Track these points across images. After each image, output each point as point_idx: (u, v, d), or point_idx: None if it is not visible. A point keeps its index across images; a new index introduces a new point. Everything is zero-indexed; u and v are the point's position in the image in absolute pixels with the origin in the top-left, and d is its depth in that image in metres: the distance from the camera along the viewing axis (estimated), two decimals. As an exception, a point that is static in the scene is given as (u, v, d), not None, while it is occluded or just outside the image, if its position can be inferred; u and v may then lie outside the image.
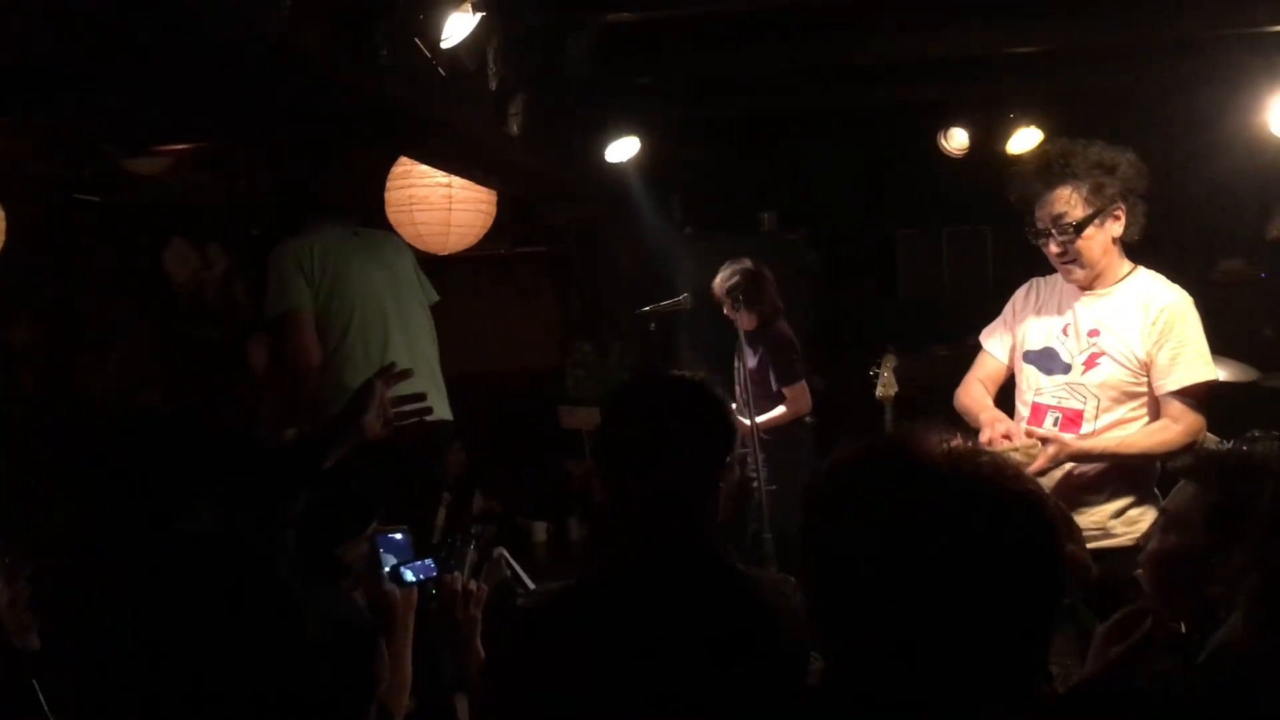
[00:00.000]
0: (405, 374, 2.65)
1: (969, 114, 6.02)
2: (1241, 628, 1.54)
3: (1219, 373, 3.09)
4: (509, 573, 4.09)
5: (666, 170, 6.12)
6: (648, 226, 6.17)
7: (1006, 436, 3.05)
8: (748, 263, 4.96)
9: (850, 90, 5.72)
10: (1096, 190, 3.00)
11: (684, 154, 6.23)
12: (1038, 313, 3.21)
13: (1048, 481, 2.95)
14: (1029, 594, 1.16)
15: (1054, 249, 3.05)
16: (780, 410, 5.00)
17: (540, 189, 5.60)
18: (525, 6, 3.82)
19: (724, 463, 1.91)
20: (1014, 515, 1.17)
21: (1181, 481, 2.16)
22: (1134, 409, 3.04)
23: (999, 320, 3.33)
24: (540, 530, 6.26)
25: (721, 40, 4.78)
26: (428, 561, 2.36)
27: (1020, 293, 3.31)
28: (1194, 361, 3.01)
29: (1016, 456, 2.89)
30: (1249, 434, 4.60)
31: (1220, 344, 5.24)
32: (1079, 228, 2.99)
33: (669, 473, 1.86)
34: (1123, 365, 3.02)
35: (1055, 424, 3.07)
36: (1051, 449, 2.92)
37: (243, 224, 5.89)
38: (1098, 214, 3.00)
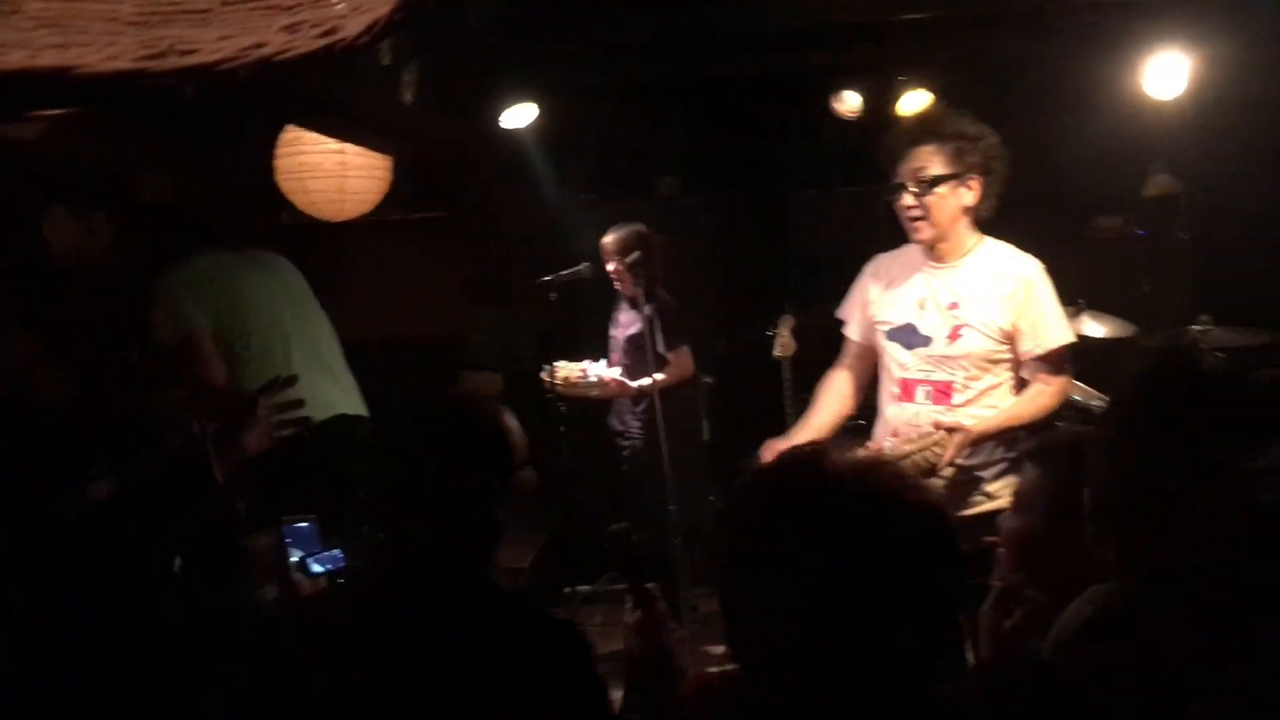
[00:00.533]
0: (290, 380, 2.63)
1: (861, 78, 6.13)
2: (1118, 599, 1.61)
3: (1073, 335, 3.25)
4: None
5: (566, 136, 6.10)
6: (547, 191, 6.15)
7: (895, 434, 3.15)
8: (640, 225, 4.98)
9: (746, 55, 5.76)
10: (957, 155, 3.13)
11: (583, 119, 6.21)
12: (888, 289, 3.30)
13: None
14: (929, 599, 1.22)
15: (907, 201, 3.15)
16: (662, 376, 5.03)
17: (438, 155, 5.54)
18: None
19: (489, 486, 1.91)
20: (916, 524, 1.22)
21: (1027, 464, 2.27)
22: (999, 374, 3.19)
23: (850, 301, 3.43)
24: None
25: (619, 6, 4.77)
26: (335, 553, 2.37)
27: (867, 270, 3.41)
28: (1054, 327, 3.18)
29: (925, 454, 2.99)
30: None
31: (1101, 300, 5.51)
32: (933, 183, 3.11)
33: (423, 498, 1.88)
34: (986, 335, 3.14)
35: (927, 397, 3.18)
36: (959, 437, 3.02)
37: (129, 192, 5.71)
38: (954, 176, 3.12)
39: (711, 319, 6.20)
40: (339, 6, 0.80)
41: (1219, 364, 1.63)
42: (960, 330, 3.16)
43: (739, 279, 6.63)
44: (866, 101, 6.18)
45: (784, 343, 5.74)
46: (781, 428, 5.71)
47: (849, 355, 3.44)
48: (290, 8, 0.75)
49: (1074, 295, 5.33)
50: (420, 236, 6.36)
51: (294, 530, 2.45)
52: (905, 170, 3.18)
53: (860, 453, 3.03)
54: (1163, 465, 1.53)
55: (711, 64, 5.84)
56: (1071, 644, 1.62)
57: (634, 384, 4.85)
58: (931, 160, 3.13)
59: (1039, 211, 6.90)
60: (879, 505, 1.21)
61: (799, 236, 6.93)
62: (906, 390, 3.22)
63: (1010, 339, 3.17)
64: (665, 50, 5.64)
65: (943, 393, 3.17)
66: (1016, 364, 3.20)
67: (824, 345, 6.49)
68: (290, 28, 0.86)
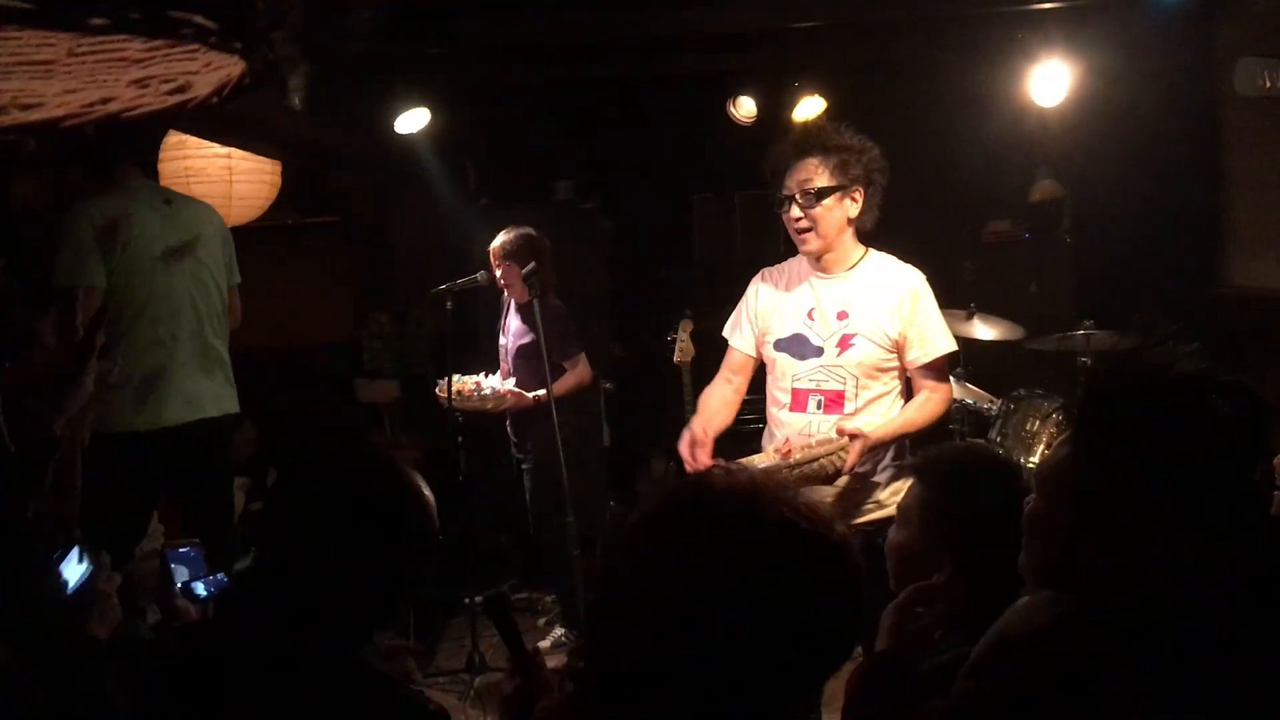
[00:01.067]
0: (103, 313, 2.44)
1: (756, 83, 6.18)
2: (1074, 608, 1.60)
3: (954, 344, 3.33)
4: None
5: (461, 139, 6.03)
6: (441, 196, 6.07)
7: (787, 442, 3.18)
8: (529, 229, 4.93)
9: (642, 60, 5.76)
10: (842, 167, 3.17)
11: (479, 122, 6.15)
12: (775, 301, 3.32)
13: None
14: (824, 635, 1.20)
15: (794, 214, 3.18)
16: (564, 380, 4.99)
17: (327, 160, 5.44)
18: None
19: (391, 558, 1.74)
20: (819, 558, 1.20)
21: (909, 479, 2.31)
22: (887, 382, 3.25)
23: (737, 314, 3.43)
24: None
25: (514, 10, 4.73)
26: (219, 576, 2.29)
27: (754, 284, 3.42)
28: (939, 336, 3.26)
29: (831, 458, 3.02)
30: (1015, 393, 4.91)
31: (990, 302, 5.64)
32: (820, 195, 3.15)
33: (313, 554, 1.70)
34: (876, 344, 3.20)
35: (819, 406, 3.20)
36: (858, 444, 3.04)
37: None
38: (839, 189, 3.17)
39: (611, 324, 6.19)
40: (190, 62, 0.76)
41: (1186, 375, 1.62)
42: (851, 340, 3.20)
43: (638, 283, 6.64)
44: (761, 106, 6.23)
45: (683, 347, 5.73)
46: (681, 433, 5.77)
47: (731, 367, 3.45)
48: (140, 60, 0.71)
49: (966, 298, 5.45)
50: (312, 242, 6.23)
51: (178, 554, 2.37)
52: (792, 182, 3.20)
53: (762, 465, 3.03)
54: (1148, 475, 1.53)
55: (607, 67, 5.83)
56: (1024, 649, 1.60)
57: (531, 395, 4.80)
58: (817, 172, 3.17)
59: (931, 214, 7.08)
60: (783, 536, 1.19)
61: (698, 240, 6.97)
62: (798, 400, 3.25)
63: (899, 348, 3.23)
64: (560, 53, 5.62)
65: (834, 402, 3.21)
66: (902, 372, 3.26)
67: (724, 350, 6.59)
68: (139, 82, 0.82)
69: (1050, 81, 5.35)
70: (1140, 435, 1.54)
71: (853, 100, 6.39)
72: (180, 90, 0.83)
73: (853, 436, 3.04)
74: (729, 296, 6.72)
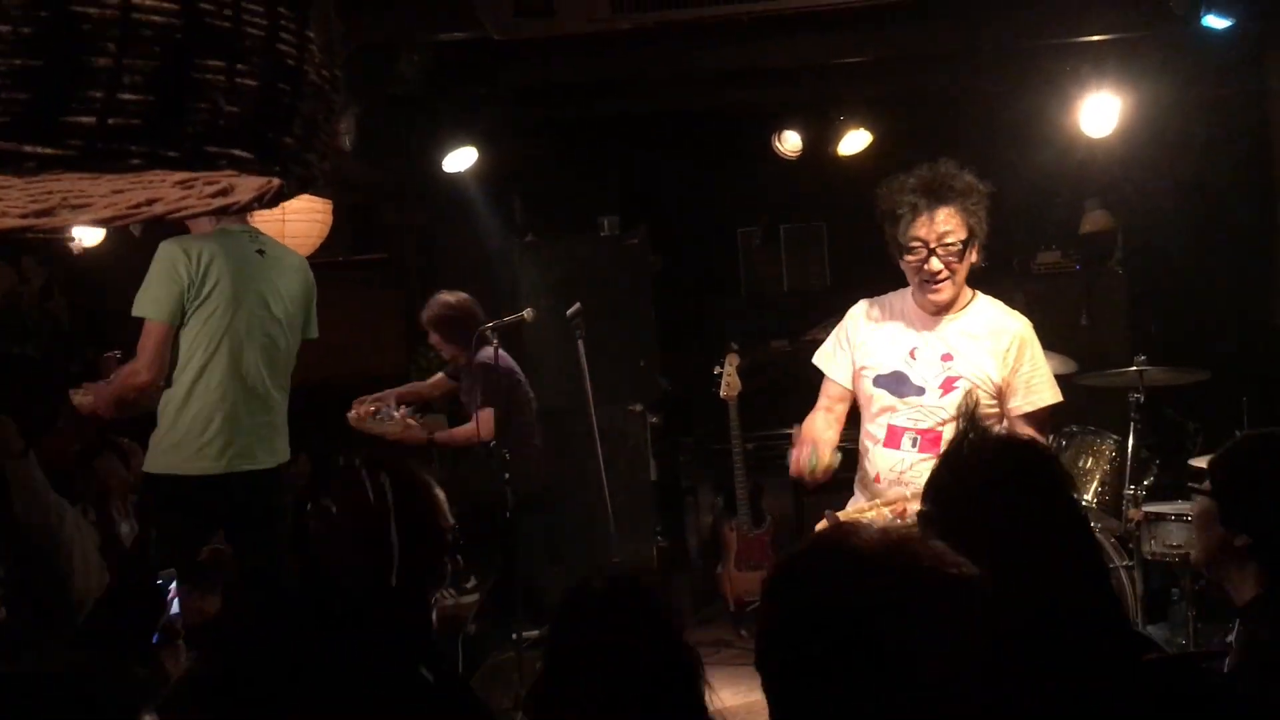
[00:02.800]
0: None
1: (801, 117, 6.18)
2: None
3: (1060, 396, 3.27)
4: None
5: (508, 175, 6.09)
6: (487, 232, 6.13)
7: (877, 479, 3.14)
8: (451, 295, 5.15)
9: (688, 95, 5.79)
10: (975, 215, 3.10)
11: (525, 159, 6.20)
12: (876, 336, 3.25)
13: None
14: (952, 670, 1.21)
15: (935, 266, 3.08)
16: (462, 428, 5.21)
17: (377, 198, 5.52)
18: (357, 25, 3.76)
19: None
20: (949, 599, 1.21)
21: None
22: None
23: (833, 343, 3.36)
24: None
25: (557, 50, 4.78)
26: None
27: (856, 315, 3.33)
28: (1044, 386, 3.19)
29: (881, 512, 3.02)
30: (1067, 429, 4.84)
31: (1042, 334, 5.56)
32: (964, 248, 3.08)
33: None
34: (980, 388, 3.15)
35: (914, 444, 3.13)
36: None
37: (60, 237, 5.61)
38: (973, 237, 3.11)
39: (656, 358, 6.19)
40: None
41: None
42: (955, 383, 3.14)
43: (684, 317, 6.64)
44: (806, 140, 6.24)
45: (730, 381, 5.73)
46: (729, 468, 5.76)
47: (829, 397, 3.34)
48: (183, 161, 0.75)
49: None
50: (362, 278, 6.30)
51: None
52: (928, 232, 3.07)
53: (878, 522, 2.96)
54: None
55: (652, 103, 5.87)
56: None
57: (425, 433, 5.11)
58: (954, 222, 3.05)
59: (987, 247, 7.02)
60: (916, 581, 1.21)
61: (744, 273, 6.97)
62: (892, 436, 3.17)
63: (1001, 394, 3.18)
64: (605, 91, 5.66)
65: (931, 441, 3.13)
66: (1000, 419, 3.20)
67: (770, 382, 6.59)
68: (184, 183, 0.84)
69: (1100, 112, 5.31)
70: None
71: (898, 133, 6.38)
72: (223, 194, 0.86)
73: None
74: (776, 330, 6.79)
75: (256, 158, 0.77)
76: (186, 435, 3.75)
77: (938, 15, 4.74)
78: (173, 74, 0.71)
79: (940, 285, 3.13)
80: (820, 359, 3.39)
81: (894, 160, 6.22)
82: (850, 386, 3.29)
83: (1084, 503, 4.55)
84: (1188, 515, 4.15)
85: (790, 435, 3.41)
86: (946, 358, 3.16)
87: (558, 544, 5.75)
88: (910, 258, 3.11)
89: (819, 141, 6.27)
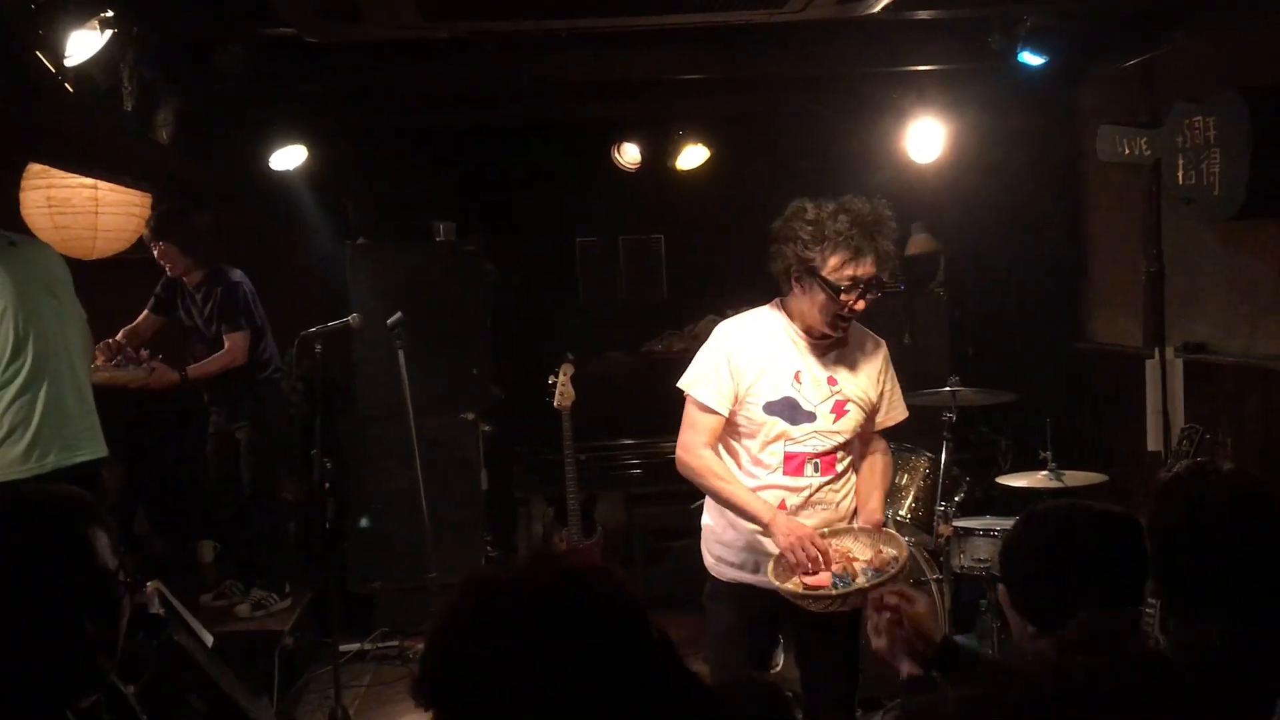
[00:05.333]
0: None
1: (641, 130, 6.23)
2: None
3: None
4: (162, 610, 3.84)
5: (340, 178, 5.94)
6: (318, 234, 5.97)
7: (782, 506, 3.11)
8: (177, 205, 4.94)
9: (527, 105, 5.76)
10: (890, 256, 3.09)
11: (360, 161, 6.07)
12: (758, 361, 3.16)
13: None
14: None
15: (859, 307, 3.05)
16: (215, 358, 4.94)
17: (198, 195, 5.31)
18: (179, 17, 3.62)
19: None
20: None
21: None
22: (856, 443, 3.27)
23: (710, 370, 3.18)
24: (207, 549, 5.93)
25: (394, 52, 4.68)
26: None
27: (733, 339, 3.20)
28: (900, 402, 3.32)
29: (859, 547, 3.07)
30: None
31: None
32: (883, 288, 3.08)
33: None
34: (862, 409, 3.19)
35: (816, 470, 3.14)
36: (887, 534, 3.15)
37: None
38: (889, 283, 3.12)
39: (490, 367, 6.13)
40: None
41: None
42: (845, 406, 3.17)
43: (519, 326, 6.59)
44: (645, 153, 6.29)
45: (564, 391, 5.71)
46: (561, 478, 5.73)
47: (710, 432, 3.17)
48: None
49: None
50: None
51: None
52: (864, 272, 3.02)
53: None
54: None
55: (491, 113, 5.81)
56: None
57: (175, 373, 4.80)
58: (880, 263, 3.05)
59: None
60: None
61: (582, 283, 6.96)
62: (792, 463, 3.14)
63: (873, 411, 3.26)
64: (443, 98, 5.58)
65: (829, 465, 3.17)
66: (861, 438, 3.28)
67: (606, 393, 6.58)
68: None
69: (925, 139, 5.51)
70: None
71: (736, 150, 6.49)
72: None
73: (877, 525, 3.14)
74: (613, 340, 6.80)
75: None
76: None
77: (776, 38, 4.83)
78: None
79: (845, 324, 3.13)
80: (699, 389, 3.18)
81: (731, 176, 6.44)
82: (727, 415, 3.18)
83: (899, 518, 4.71)
84: (995, 530, 4.34)
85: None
86: (831, 381, 3.17)
87: (379, 555, 5.63)
88: (843, 296, 3.03)
89: (658, 154, 6.33)
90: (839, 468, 3.18)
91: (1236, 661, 1.90)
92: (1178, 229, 4.94)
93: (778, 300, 3.24)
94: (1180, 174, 4.50)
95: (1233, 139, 4.15)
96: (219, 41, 3.94)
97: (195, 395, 5.18)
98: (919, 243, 6.22)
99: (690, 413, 3.20)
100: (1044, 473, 4.48)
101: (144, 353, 4.89)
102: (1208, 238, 4.75)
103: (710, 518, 3.34)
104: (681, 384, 3.22)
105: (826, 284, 3.03)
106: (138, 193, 5.20)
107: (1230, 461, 3.88)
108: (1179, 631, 2.04)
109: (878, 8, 3.89)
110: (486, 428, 6.06)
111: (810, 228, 3.05)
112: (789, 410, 3.13)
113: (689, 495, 5.98)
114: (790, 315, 3.19)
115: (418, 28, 3.66)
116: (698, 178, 6.43)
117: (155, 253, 4.90)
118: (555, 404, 5.71)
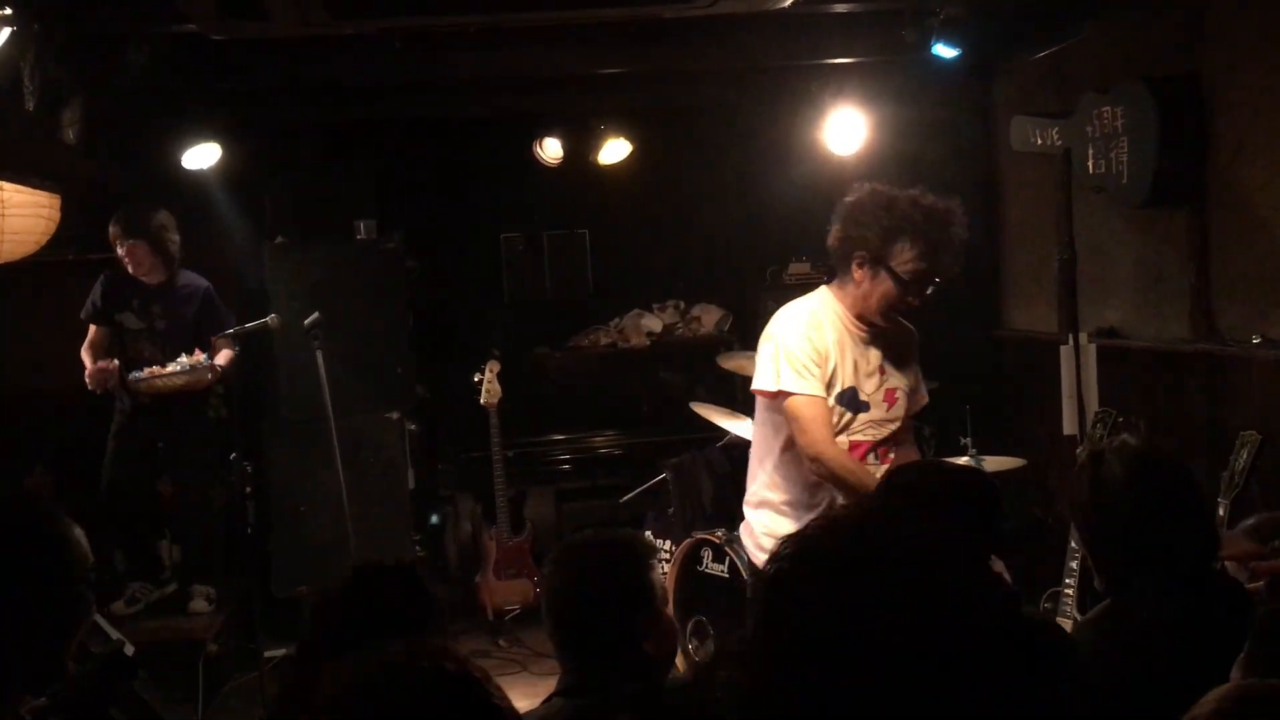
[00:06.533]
0: None
1: (562, 125, 6.20)
2: None
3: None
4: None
5: (257, 176, 5.83)
6: (235, 233, 5.85)
7: None
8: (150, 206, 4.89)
9: (446, 101, 5.71)
10: (960, 254, 3.15)
11: (277, 159, 5.97)
12: (829, 351, 3.12)
13: None
14: None
15: (915, 301, 3.09)
16: (223, 355, 4.90)
17: (107, 195, 5.19)
18: (81, 15, 3.53)
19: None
20: None
21: None
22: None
23: (801, 366, 3.08)
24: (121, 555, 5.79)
25: (309, 47, 4.61)
26: None
27: (810, 331, 3.12)
28: (923, 386, 3.33)
29: None
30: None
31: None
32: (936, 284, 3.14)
33: None
34: (907, 395, 3.23)
35: (876, 458, 3.15)
36: None
37: None
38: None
39: (415, 365, 6.06)
40: None
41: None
42: (895, 394, 3.19)
43: (443, 324, 6.53)
44: (567, 148, 6.26)
45: (490, 388, 5.69)
46: (489, 475, 5.70)
47: (830, 421, 3.05)
48: None
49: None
50: (93, 280, 5.90)
51: None
52: (929, 267, 3.06)
53: None
54: None
55: (410, 108, 5.75)
56: None
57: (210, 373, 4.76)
58: (952, 265, 3.15)
59: (736, 254, 7.25)
60: None
61: (507, 280, 6.92)
62: (855, 450, 3.13)
63: (913, 396, 3.27)
64: (361, 93, 5.51)
65: (886, 453, 3.17)
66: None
67: (532, 389, 6.56)
68: None
69: (845, 130, 5.55)
70: None
71: (659, 144, 6.50)
72: None
73: None
74: (539, 336, 6.77)
75: None
76: None
77: (696, 32, 4.85)
78: None
79: (895, 312, 3.16)
80: (801, 384, 3.05)
81: (654, 169, 6.44)
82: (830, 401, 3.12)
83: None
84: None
85: None
86: (881, 370, 3.19)
87: (304, 558, 5.55)
88: (915, 287, 3.04)
89: (580, 149, 6.31)
90: (892, 455, 3.21)
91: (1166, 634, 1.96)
92: (1090, 217, 5.04)
93: (827, 285, 3.21)
94: (1090, 163, 4.59)
95: (1140, 128, 4.25)
96: (127, 39, 3.85)
97: (112, 398, 5.06)
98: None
99: (799, 412, 3.04)
100: (965, 458, 4.56)
101: (199, 353, 4.78)
102: (1118, 226, 4.86)
103: (764, 512, 3.27)
104: (783, 386, 3.06)
105: (895, 276, 3.02)
106: (46, 195, 5.06)
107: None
108: (1113, 605, 2.10)
109: (787, 2, 3.92)
110: (412, 427, 6.00)
111: (886, 217, 3.03)
112: (852, 400, 3.14)
113: (619, 489, 6.04)
114: (844, 302, 3.15)
115: (325, 25, 3.62)
116: (621, 172, 6.42)
117: (121, 252, 4.76)
118: (482, 401, 5.69)
